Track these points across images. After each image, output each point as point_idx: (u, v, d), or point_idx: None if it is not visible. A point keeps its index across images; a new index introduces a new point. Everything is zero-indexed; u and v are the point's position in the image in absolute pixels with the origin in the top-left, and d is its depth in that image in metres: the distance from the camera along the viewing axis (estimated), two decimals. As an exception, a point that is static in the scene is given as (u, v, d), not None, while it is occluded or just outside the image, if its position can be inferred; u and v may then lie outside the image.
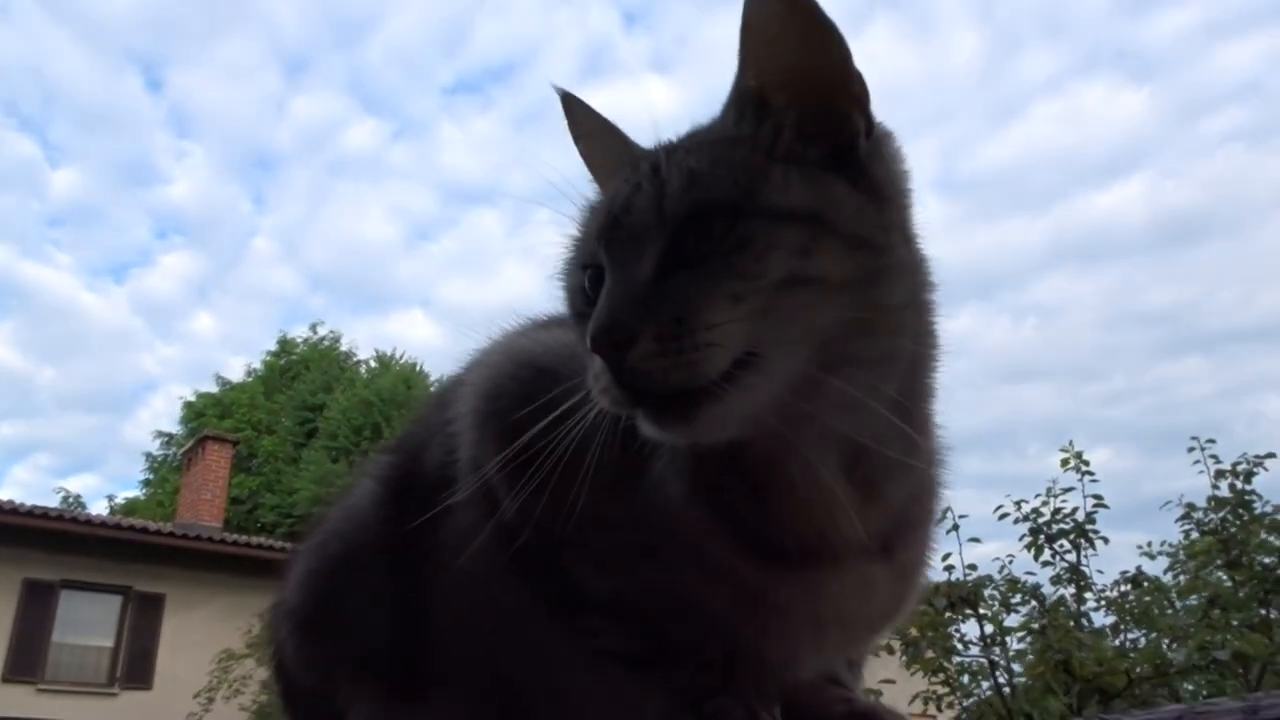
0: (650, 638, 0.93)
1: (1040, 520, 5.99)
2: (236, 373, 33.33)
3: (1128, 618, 5.97)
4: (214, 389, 31.54)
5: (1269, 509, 5.77)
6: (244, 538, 17.64)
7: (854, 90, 0.89)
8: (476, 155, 45.62)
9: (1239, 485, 5.87)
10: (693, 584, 0.88)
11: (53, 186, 44.81)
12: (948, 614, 5.35)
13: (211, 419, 28.19)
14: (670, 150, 0.91)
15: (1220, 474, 5.95)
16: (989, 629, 5.53)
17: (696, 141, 0.92)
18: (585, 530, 0.93)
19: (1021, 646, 5.47)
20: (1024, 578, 6.01)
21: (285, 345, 32.54)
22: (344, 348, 32.31)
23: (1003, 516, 6.08)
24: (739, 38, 0.88)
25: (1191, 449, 6.07)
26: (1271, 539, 5.65)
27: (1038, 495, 6.06)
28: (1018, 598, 5.83)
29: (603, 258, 0.88)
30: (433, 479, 1.07)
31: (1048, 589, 5.96)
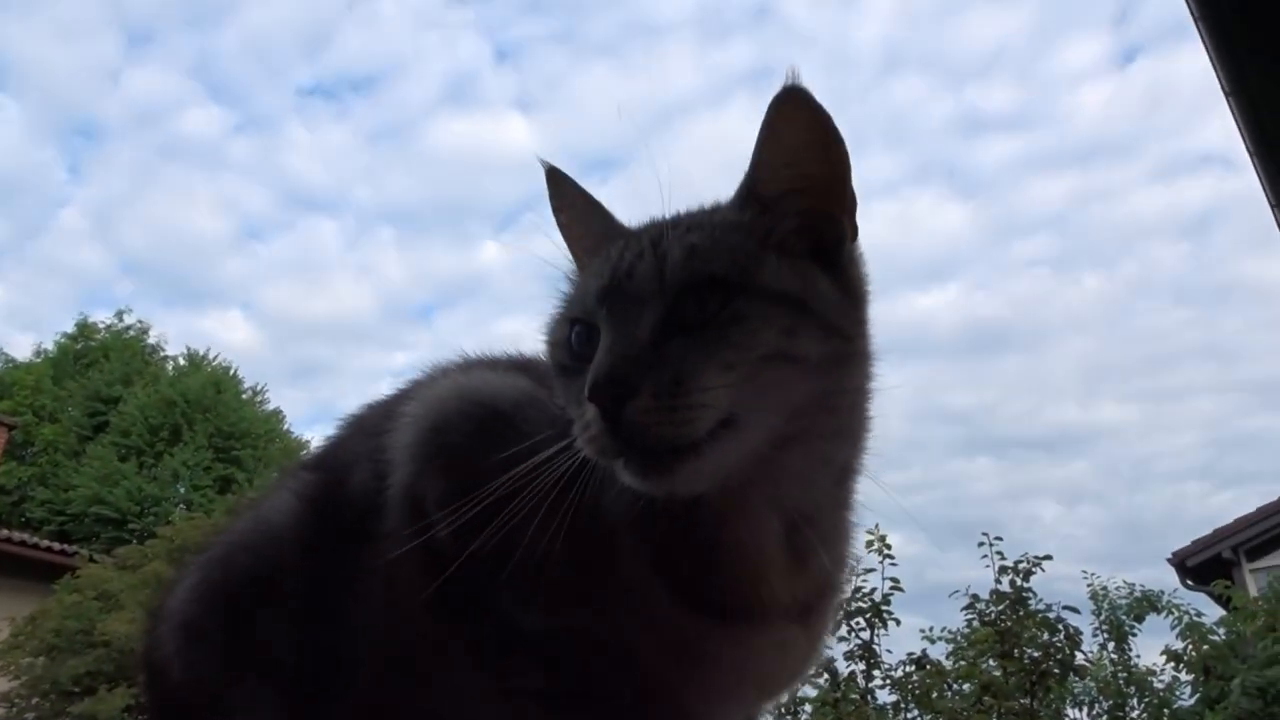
0: (572, 680, 0.96)
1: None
2: (23, 351, 30.65)
3: (909, 698, 6.29)
4: (-6, 365, 28.86)
5: (1041, 606, 6.28)
6: (5, 532, 16.14)
7: (849, 199, 1.00)
8: (323, 163, 44.32)
9: (1019, 582, 6.34)
10: (627, 630, 0.92)
11: None
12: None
13: (-13, 397, 25.76)
14: (672, 225, 0.99)
15: (1004, 570, 6.43)
16: (784, 698, 5.72)
17: (697, 221, 1.00)
18: (525, 571, 0.95)
19: (813, 721, 5.67)
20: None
21: (84, 329, 30.14)
22: (151, 340, 30.25)
23: (806, 590, 6.36)
24: (759, 137, 0.97)
25: (981, 543, 6.54)
26: (1041, 634, 6.13)
27: (841, 573, 6.36)
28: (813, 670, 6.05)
29: (602, 317, 0.94)
30: (360, 505, 1.07)
31: (841, 664, 6.23)
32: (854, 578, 6.27)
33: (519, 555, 0.95)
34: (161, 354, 29.76)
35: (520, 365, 1.17)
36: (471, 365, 1.17)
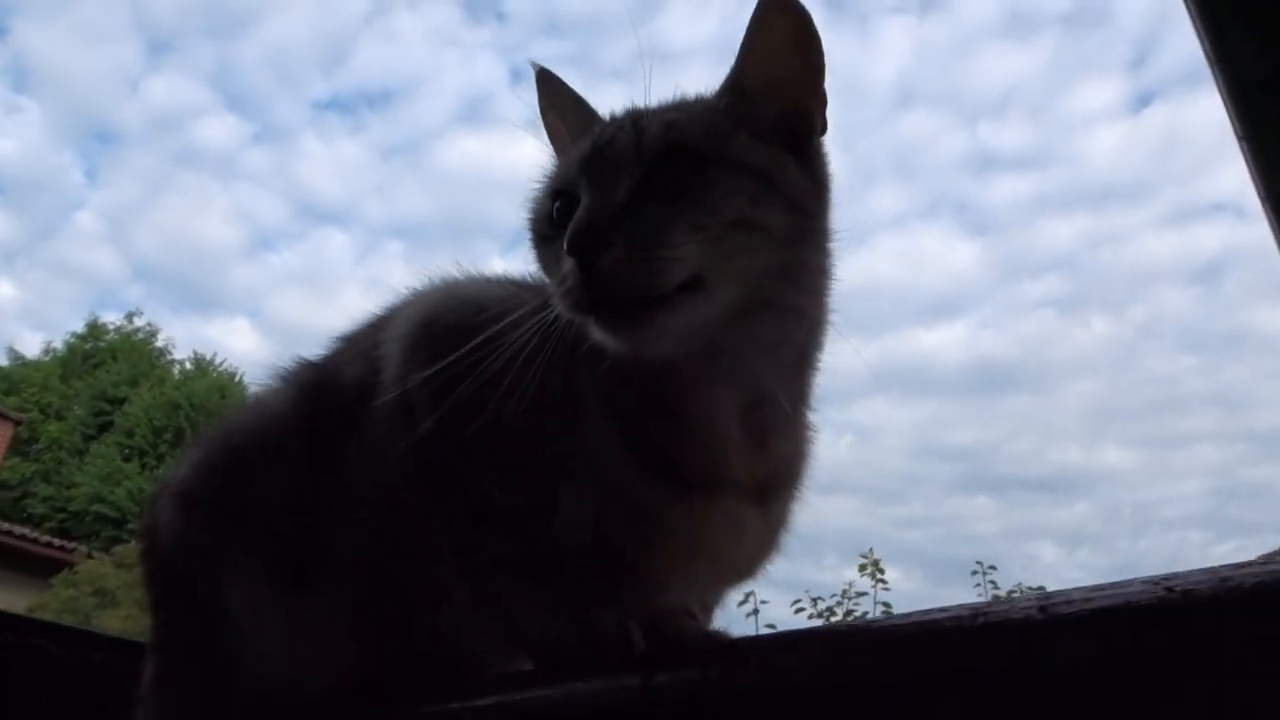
0: (539, 550, 1.02)
1: (832, 619, 6.31)
2: (33, 349, 30.84)
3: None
4: (3, 361, 29.04)
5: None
6: (6, 525, 16.18)
7: (821, 96, 1.10)
8: (337, 175, 44.67)
9: (1012, 612, 6.37)
10: (588, 495, 0.99)
11: None
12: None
13: (-5, 392, 25.89)
14: (652, 108, 1.10)
15: (996, 599, 6.45)
16: None
17: (677, 105, 1.11)
18: (496, 444, 1.05)
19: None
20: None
21: (94, 330, 30.31)
22: (159, 343, 30.43)
23: (799, 611, 6.39)
24: (746, 33, 1.08)
25: (975, 572, 6.58)
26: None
27: (833, 596, 6.41)
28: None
29: (582, 184, 1.02)
30: (352, 394, 1.17)
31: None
32: (846, 600, 6.35)
33: (488, 424, 1.02)
34: (169, 357, 29.94)
35: (510, 280, 1.24)
36: (468, 278, 1.25)
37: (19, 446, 23.38)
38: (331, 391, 1.21)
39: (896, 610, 6.40)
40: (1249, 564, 0.66)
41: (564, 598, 1.03)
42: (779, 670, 0.82)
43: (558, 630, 1.01)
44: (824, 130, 1.11)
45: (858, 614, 6.33)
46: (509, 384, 1.00)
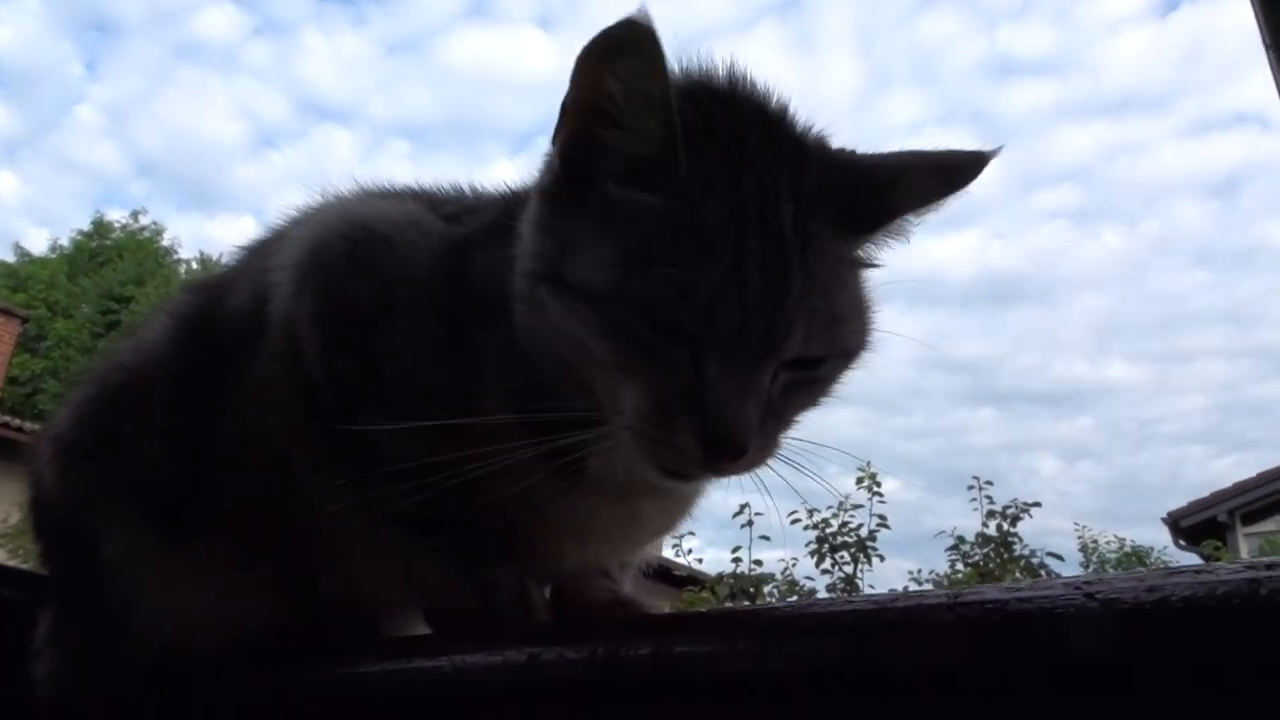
0: (437, 506, 0.94)
1: (828, 530, 6.34)
2: (39, 245, 30.78)
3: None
4: (10, 258, 29.03)
5: (1026, 551, 6.34)
6: (16, 421, 16.35)
7: None
8: (340, 72, 43.82)
9: (1005, 527, 6.39)
10: (482, 466, 0.89)
11: None
12: (728, 603, 5.58)
13: (2, 289, 25.94)
14: (807, 253, 0.83)
15: (991, 514, 6.47)
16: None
17: (830, 266, 0.86)
18: (394, 396, 0.96)
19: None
20: (803, 581, 6.38)
21: (100, 227, 30.26)
22: (165, 242, 30.38)
23: (795, 521, 6.41)
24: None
25: (971, 487, 6.58)
26: (1023, 579, 6.20)
27: (829, 508, 6.41)
28: (794, 599, 6.13)
29: (716, 350, 0.80)
30: (236, 324, 1.07)
31: (822, 595, 6.32)
32: (842, 511, 6.36)
33: (383, 378, 0.96)
34: (175, 256, 29.87)
35: (415, 194, 1.12)
36: (363, 194, 1.13)
37: (27, 343, 23.54)
38: (215, 322, 1.11)
39: (900, 531, 6.44)
40: (1183, 570, 0.56)
41: (464, 555, 0.97)
42: (674, 658, 0.75)
43: (454, 589, 0.96)
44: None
45: (853, 526, 6.37)
46: (404, 332, 0.93)
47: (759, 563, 5.96)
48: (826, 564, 6.33)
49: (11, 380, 22.24)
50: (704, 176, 0.82)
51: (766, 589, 5.82)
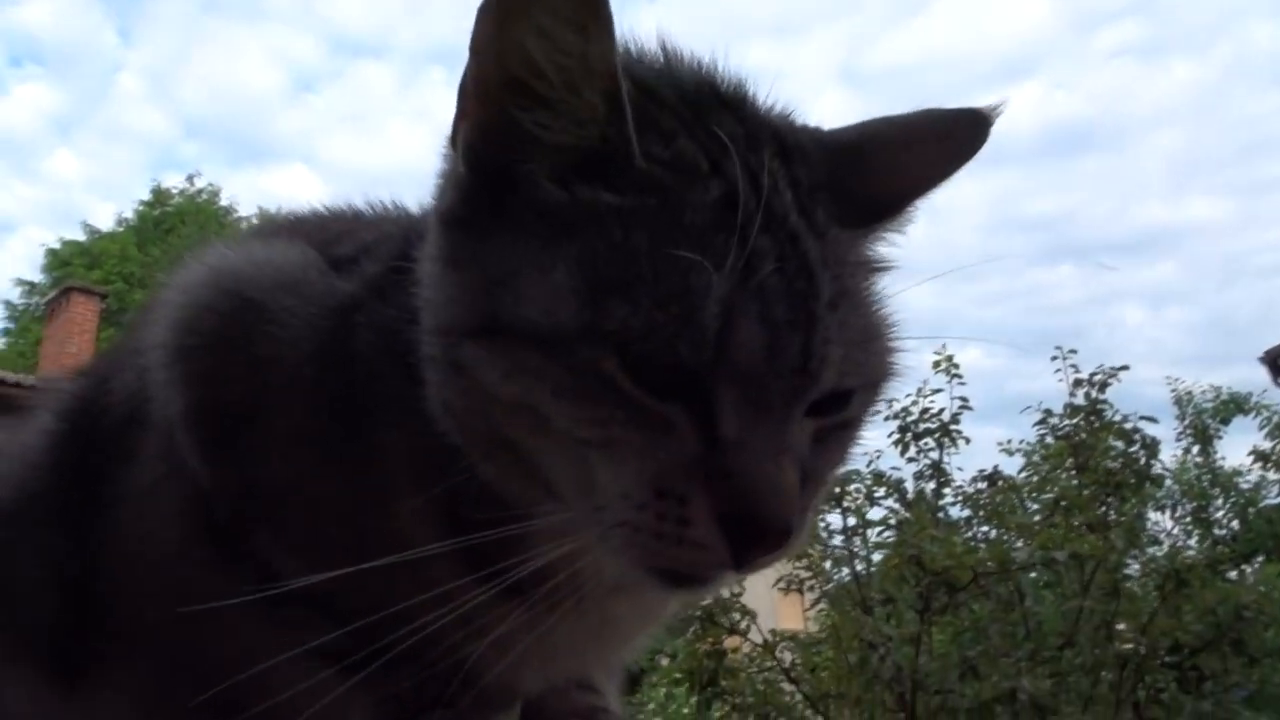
0: (358, 638, 0.72)
1: (908, 419, 6.21)
2: (105, 220, 31.59)
3: (980, 513, 6.30)
4: (80, 236, 29.83)
5: (1118, 417, 6.13)
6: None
7: None
8: (365, 5, 43.22)
9: (1094, 394, 6.17)
10: (407, 595, 0.70)
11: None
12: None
13: (78, 269, 26.72)
14: (835, 267, 0.66)
15: (1078, 382, 6.25)
16: (851, 521, 5.78)
17: (856, 280, 0.69)
18: (286, 509, 0.77)
19: (880, 540, 5.74)
20: (889, 472, 6.29)
21: (160, 195, 30.79)
22: (224, 202, 30.84)
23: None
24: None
25: (1054, 357, 6.35)
26: (1117, 444, 6.01)
27: (908, 395, 6.27)
28: (881, 491, 6.07)
29: (728, 392, 0.61)
30: (120, 415, 0.87)
31: (910, 484, 6.24)
32: (921, 398, 6.22)
33: (276, 489, 0.76)
34: (235, 214, 30.28)
35: (310, 226, 0.91)
36: (249, 235, 0.93)
37: (111, 318, 24.24)
38: (95, 413, 0.89)
39: (985, 398, 6.23)
40: None
41: (395, 697, 0.78)
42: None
43: None
44: None
45: (934, 410, 6.22)
46: (282, 432, 0.74)
47: (841, 460, 5.87)
48: (911, 452, 6.23)
49: (102, 355, 23.06)
50: (673, 161, 0.63)
51: (851, 486, 5.73)
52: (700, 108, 0.68)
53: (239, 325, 0.77)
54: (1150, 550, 7.25)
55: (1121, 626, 5.42)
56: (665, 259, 0.59)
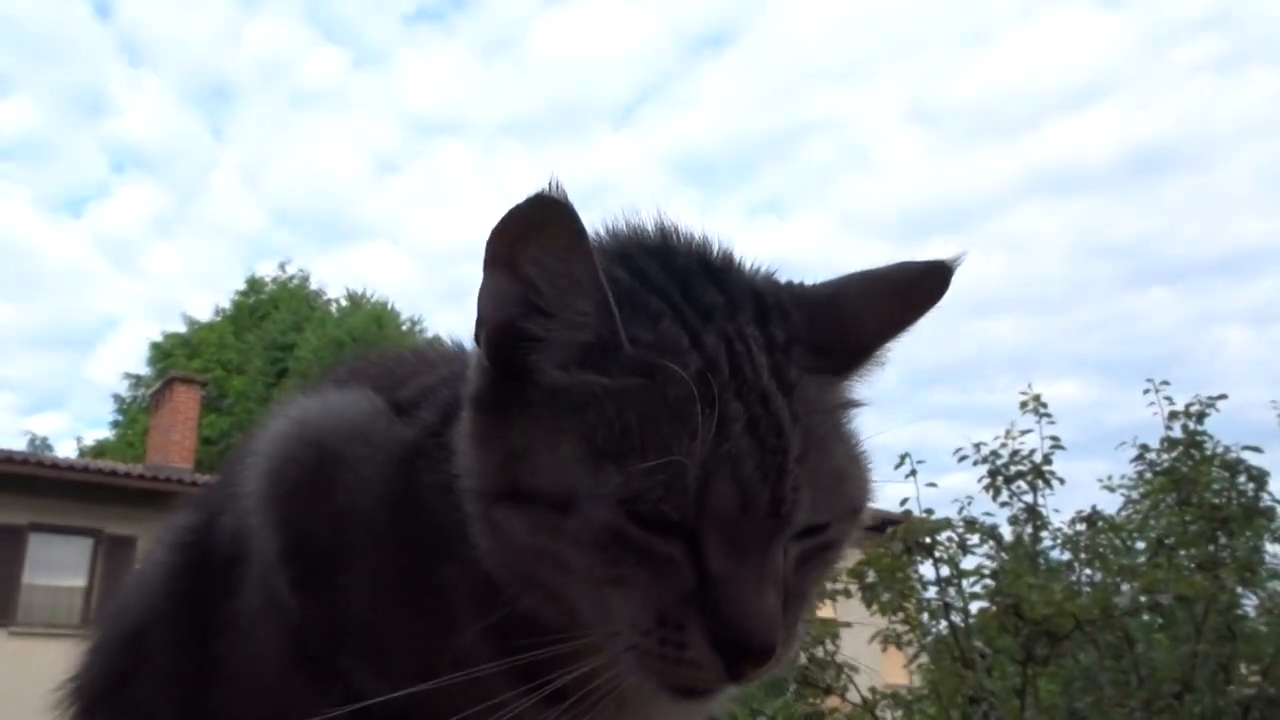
0: None
1: (998, 462, 6.05)
2: (203, 311, 33.01)
3: (1081, 556, 6.08)
4: (181, 328, 31.26)
5: (1220, 449, 5.87)
6: (215, 478, 17.52)
7: None
8: (440, 85, 44.80)
9: (1191, 426, 5.94)
10: (468, 706, 0.80)
11: (1, 118, 43.53)
12: (904, 557, 5.42)
13: (180, 359, 27.95)
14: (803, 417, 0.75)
15: (1174, 415, 6.02)
16: (944, 571, 5.62)
17: (824, 417, 0.78)
18: (366, 637, 0.88)
19: (977, 590, 5.56)
20: (982, 518, 6.11)
21: (253, 284, 32.16)
22: (313, 286, 32.06)
23: (962, 459, 6.15)
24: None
25: (1146, 390, 6.14)
26: (1223, 475, 5.75)
27: (996, 437, 6.12)
28: (975, 538, 5.90)
29: (716, 535, 0.72)
30: (224, 553, 1.00)
31: (1005, 528, 6.05)
32: (1010, 440, 6.05)
33: (350, 623, 0.88)
34: (325, 297, 31.43)
35: (379, 372, 1.04)
36: (338, 378, 1.06)
37: (212, 404, 25.30)
38: (206, 547, 1.03)
39: (1083, 433, 6.05)
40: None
41: None
42: None
43: None
44: None
45: (1024, 453, 6.05)
46: (361, 571, 0.86)
47: (930, 511, 5.74)
48: (1004, 496, 6.05)
49: (206, 441, 23.94)
50: (655, 343, 0.74)
51: (943, 535, 5.59)
52: (687, 282, 0.79)
53: (320, 474, 0.90)
54: (1270, 585, 6.87)
55: (1243, 669, 5.15)
56: (651, 431, 0.70)
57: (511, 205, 0.72)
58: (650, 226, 0.85)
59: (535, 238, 0.72)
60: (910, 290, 0.83)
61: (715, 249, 0.84)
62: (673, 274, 0.80)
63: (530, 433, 0.75)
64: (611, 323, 0.73)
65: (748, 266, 0.85)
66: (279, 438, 0.96)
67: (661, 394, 0.72)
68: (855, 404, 0.83)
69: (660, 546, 0.71)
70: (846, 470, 0.78)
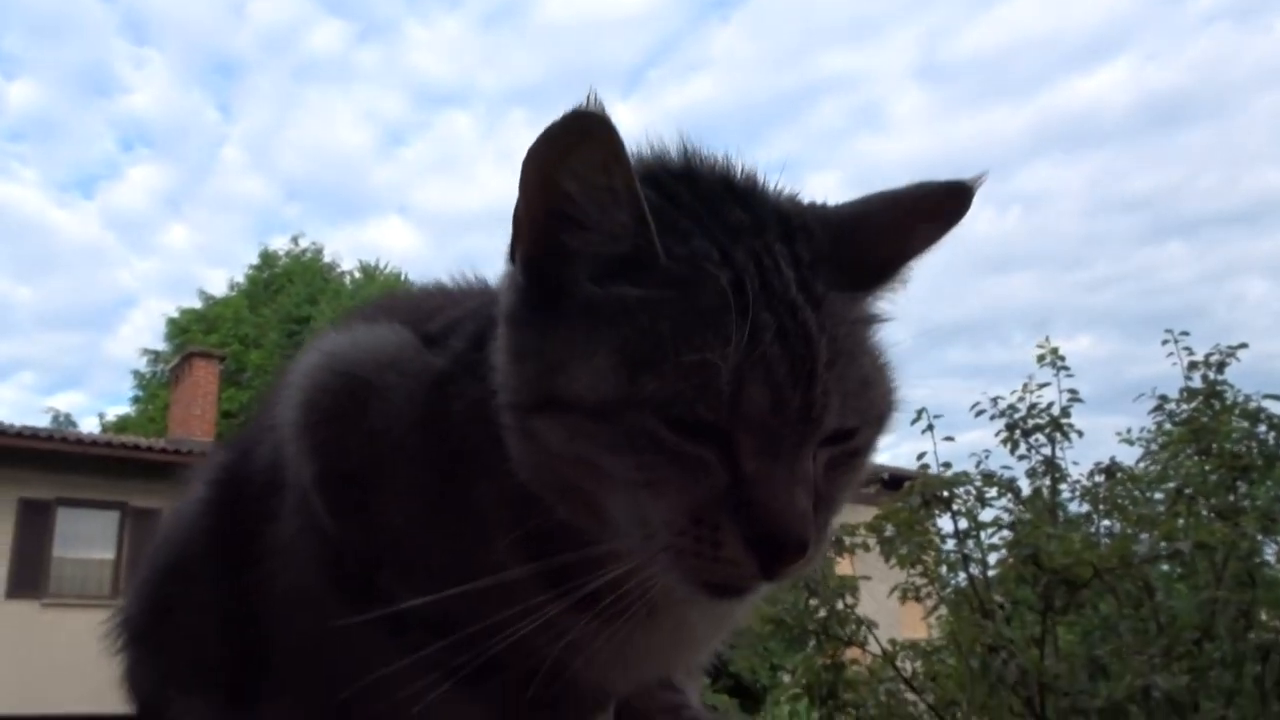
0: (467, 655, 0.87)
1: (1016, 416, 6.05)
2: (218, 286, 33.31)
3: (1100, 507, 6.08)
4: (197, 304, 31.52)
5: (1240, 398, 5.84)
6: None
7: None
8: (445, 56, 44.56)
9: (1211, 376, 5.91)
10: (504, 614, 0.83)
11: (9, 99, 43.63)
12: (921, 511, 5.45)
13: (197, 334, 28.16)
14: (834, 330, 0.77)
15: (1193, 365, 5.99)
16: (963, 524, 5.65)
17: (856, 331, 0.81)
18: (402, 552, 0.92)
19: (995, 541, 5.59)
20: (1000, 471, 6.12)
21: (267, 258, 32.31)
22: (327, 259, 32.18)
23: (979, 414, 6.14)
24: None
25: (1165, 341, 6.10)
26: (1243, 424, 5.73)
27: (1013, 391, 6.11)
28: (993, 492, 5.92)
29: (754, 439, 0.74)
30: (262, 481, 1.04)
31: (1023, 482, 6.06)
32: (1027, 394, 6.04)
33: (386, 542, 0.92)
34: (338, 270, 31.53)
35: (405, 306, 1.08)
36: (366, 314, 1.08)
37: (231, 378, 25.49)
38: (242, 480, 1.08)
39: (1102, 387, 6.05)
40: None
41: (507, 702, 0.93)
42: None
43: None
44: None
45: (1042, 406, 6.05)
46: (394, 492, 0.89)
47: (947, 465, 5.75)
48: (1022, 449, 6.05)
49: (226, 415, 24.16)
50: (689, 257, 0.76)
51: (961, 490, 5.61)
52: (714, 203, 0.81)
53: (352, 401, 0.93)
54: (1291, 533, 6.85)
55: (1264, 616, 5.15)
56: (685, 339, 0.73)
57: (549, 122, 0.72)
58: (674, 151, 0.86)
59: (575, 151, 0.73)
60: (932, 210, 0.84)
61: (739, 171, 0.86)
62: (699, 195, 0.82)
63: (567, 344, 0.77)
64: (648, 234, 0.75)
65: (771, 188, 0.86)
66: (311, 369, 0.99)
67: (695, 304, 0.74)
68: (880, 319, 0.86)
69: (694, 450, 0.73)
70: (872, 378, 0.80)
